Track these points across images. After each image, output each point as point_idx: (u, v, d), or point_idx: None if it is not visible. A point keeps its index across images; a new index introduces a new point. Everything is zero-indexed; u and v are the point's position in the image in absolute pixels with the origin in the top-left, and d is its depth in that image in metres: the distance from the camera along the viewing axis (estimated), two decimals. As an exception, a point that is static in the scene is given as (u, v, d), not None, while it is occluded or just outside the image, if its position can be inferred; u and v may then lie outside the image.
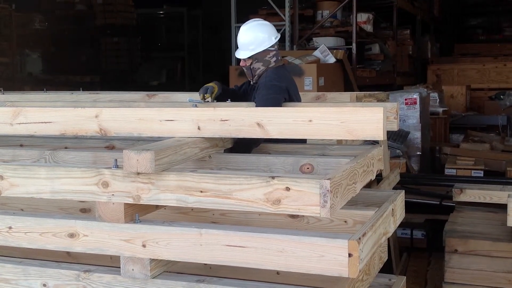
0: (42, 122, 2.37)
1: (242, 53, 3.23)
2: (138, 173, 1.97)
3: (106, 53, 12.49)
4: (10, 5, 9.87)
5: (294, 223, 2.26)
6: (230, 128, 2.18)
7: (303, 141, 2.66)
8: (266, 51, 3.18)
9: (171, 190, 1.97)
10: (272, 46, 3.20)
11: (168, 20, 14.09)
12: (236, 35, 8.56)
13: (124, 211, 2.02)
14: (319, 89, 6.25)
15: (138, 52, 13.23)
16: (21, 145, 3.07)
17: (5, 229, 2.13)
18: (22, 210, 2.60)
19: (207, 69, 13.04)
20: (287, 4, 8.23)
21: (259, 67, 3.19)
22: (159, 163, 1.96)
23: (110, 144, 2.96)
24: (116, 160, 2.05)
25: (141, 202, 2.01)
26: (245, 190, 1.89)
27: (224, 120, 2.18)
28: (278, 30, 8.55)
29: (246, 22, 3.26)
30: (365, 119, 2.01)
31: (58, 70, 10.98)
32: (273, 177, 1.86)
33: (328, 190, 1.75)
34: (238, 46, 3.28)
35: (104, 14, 12.09)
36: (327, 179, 1.77)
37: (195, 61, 13.38)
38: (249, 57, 3.19)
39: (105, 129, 2.30)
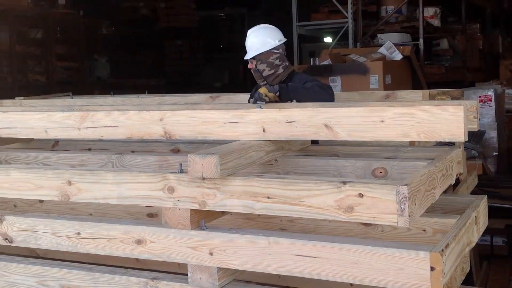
0: (108, 126, 2.36)
1: (247, 55, 3.31)
2: (203, 178, 1.91)
3: (170, 56, 12.70)
4: (78, 11, 10.20)
5: (368, 231, 2.14)
6: (296, 130, 2.09)
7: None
8: (269, 53, 3.24)
9: (237, 195, 1.90)
10: (275, 48, 3.25)
11: (229, 22, 14.16)
12: (298, 34, 8.60)
13: (190, 217, 1.97)
14: (386, 87, 6.03)
15: (201, 54, 13.37)
16: (90, 149, 3.10)
17: (74, 235, 2.13)
18: (91, 214, 2.62)
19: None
20: (349, 1, 8.03)
21: (264, 68, 3.26)
22: (224, 167, 1.89)
23: (175, 147, 2.94)
24: (181, 164, 2.00)
25: (207, 208, 1.95)
26: (315, 196, 1.79)
27: (290, 122, 2.09)
28: (340, 28, 8.41)
29: (253, 27, 3.36)
30: (443, 119, 1.87)
31: (125, 74, 11.26)
32: (344, 183, 1.76)
33: (405, 197, 1.63)
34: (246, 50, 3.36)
35: (167, 18, 12.31)
36: (404, 185, 1.64)
37: (256, 62, 13.35)
38: (253, 58, 3.27)
39: (170, 132, 2.26)
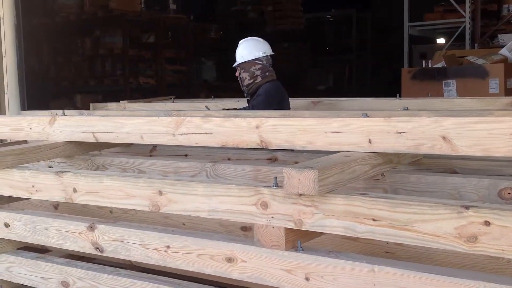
0: (203, 133, 2.24)
1: (234, 64, 3.58)
2: (300, 195, 1.72)
3: (276, 58, 12.63)
4: (188, 16, 10.43)
5: (490, 262, 1.82)
6: (407, 142, 1.83)
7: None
8: (251, 63, 3.50)
9: (337, 216, 1.69)
10: (259, 59, 3.50)
11: (336, 23, 13.84)
12: (409, 35, 8.15)
13: (285, 237, 1.79)
14: (507, 92, 5.48)
15: (307, 57, 13.18)
16: (186, 155, 3.02)
17: (163, 248, 2.03)
18: (183, 224, 2.52)
19: (375, 73, 12.54)
20: (467, -1, 7.47)
21: (245, 77, 3.51)
22: (323, 183, 1.69)
23: (272, 156, 2.77)
24: (276, 178, 1.82)
25: (303, 228, 1.75)
26: (429, 221, 1.54)
27: (400, 133, 1.84)
28: (457, 28, 7.87)
29: (245, 38, 3.65)
30: None
31: (231, 77, 11.34)
32: (467, 207, 1.49)
33: (545, 230, 1.33)
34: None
35: (274, 21, 12.26)
36: (543, 214, 1.34)
37: (363, 65, 12.95)
38: (238, 66, 3.54)
39: (266, 141, 2.09)
